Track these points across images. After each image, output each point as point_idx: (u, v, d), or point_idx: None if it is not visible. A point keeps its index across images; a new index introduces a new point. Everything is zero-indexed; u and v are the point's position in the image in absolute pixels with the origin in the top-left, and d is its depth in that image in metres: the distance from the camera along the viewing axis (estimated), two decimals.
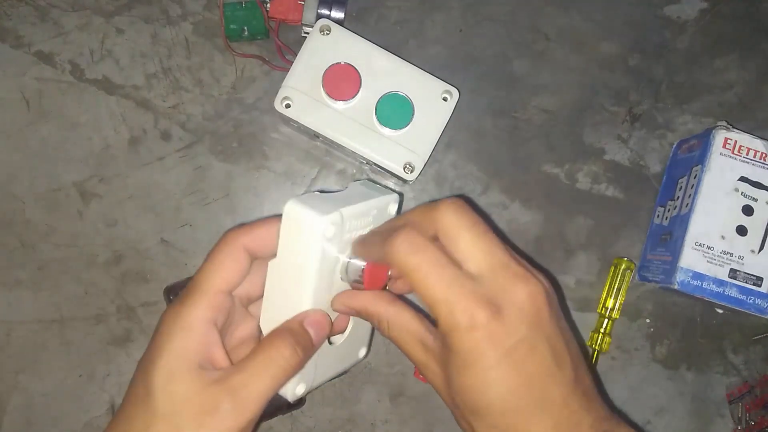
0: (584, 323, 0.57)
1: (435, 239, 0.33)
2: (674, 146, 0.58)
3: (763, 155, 0.52)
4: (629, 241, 0.58)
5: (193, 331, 0.33)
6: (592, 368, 0.56)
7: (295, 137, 0.57)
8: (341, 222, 0.34)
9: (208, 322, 0.34)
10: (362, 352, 0.42)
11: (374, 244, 0.35)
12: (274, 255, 0.35)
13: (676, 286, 0.51)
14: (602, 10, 0.60)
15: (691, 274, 0.51)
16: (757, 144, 0.52)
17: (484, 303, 0.30)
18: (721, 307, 0.56)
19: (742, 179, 0.52)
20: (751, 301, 0.51)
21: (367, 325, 0.41)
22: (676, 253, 0.51)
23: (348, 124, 0.51)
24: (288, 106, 0.51)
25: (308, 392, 0.38)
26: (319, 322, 0.36)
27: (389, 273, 0.36)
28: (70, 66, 0.56)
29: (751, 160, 0.52)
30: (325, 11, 0.55)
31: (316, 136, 0.52)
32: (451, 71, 0.56)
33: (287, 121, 0.52)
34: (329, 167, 0.57)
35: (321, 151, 0.57)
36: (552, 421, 0.31)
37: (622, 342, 0.57)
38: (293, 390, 0.36)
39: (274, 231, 0.35)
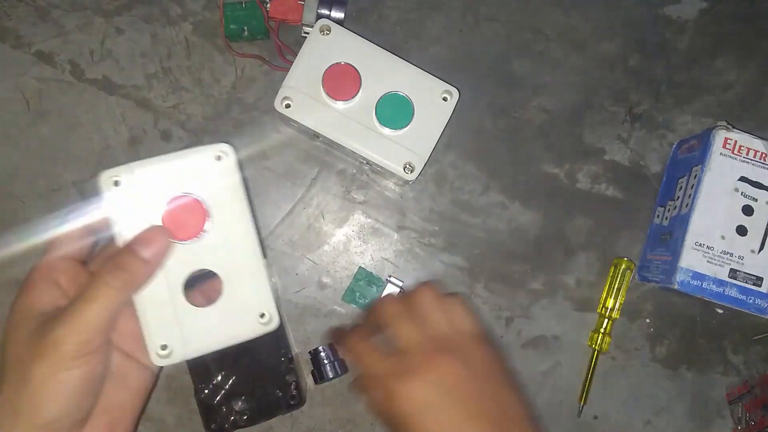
0: (584, 323, 0.57)
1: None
2: (674, 146, 0.58)
3: (763, 155, 0.52)
4: (629, 241, 0.58)
5: (34, 288, 0.36)
6: (592, 369, 0.56)
7: (295, 137, 0.57)
8: (130, 173, 0.37)
9: (46, 280, 0.36)
10: (266, 320, 0.39)
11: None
12: None
13: (676, 286, 0.51)
14: (602, 10, 0.60)
15: (691, 274, 0.51)
16: (757, 144, 0.52)
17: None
18: (721, 307, 0.56)
19: (742, 179, 0.52)
20: (751, 301, 0.51)
21: (262, 290, 0.39)
22: (676, 253, 0.51)
23: (348, 124, 0.51)
24: (288, 106, 0.51)
25: (186, 358, 0.37)
26: (147, 236, 0.36)
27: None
28: (70, 66, 0.56)
29: (751, 160, 0.52)
30: (325, 11, 0.55)
31: (316, 136, 0.52)
32: (451, 71, 0.56)
33: (287, 121, 0.52)
34: (329, 167, 0.57)
35: (321, 151, 0.57)
36: None
37: (622, 342, 0.57)
38: (155, 350, 0.37)
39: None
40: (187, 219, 0.38)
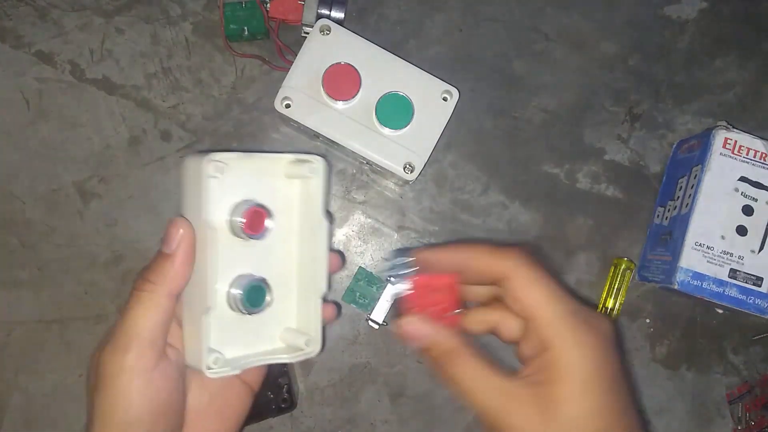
0: None
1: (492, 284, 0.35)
2: (674, 146, 0.58)
3: (763, 155, 0.52)
4: (629, 241, 0.58)
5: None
6: None
7: (295, 137, 0.57)
8: (226, 163, 0.35)
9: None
10: (312, 347, 0.39)
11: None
12: None
13: (676, 286, 0.51)
14: (602, 10, 0.60)
15: (691, 274, 0.51)
16: (757, 144, 0.52)
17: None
18: (721, 307, 0.56)
19: (742, 179, 0.52)
20: (751, 301, 0.51)
21: (312, 316, 0.39)
22: (676, 253, 0.51)
23: (348, 124, 0.51)
24: (288, 106, 0.51)
25: (226, 372, 0.36)
26: (167, 233, 0.35)
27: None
28: (70, 66, 0.56)
29: (751, 160, 0.52)
30: (325, 11, 0.55)
31: (316, 136, 0.52)
32: (451, 71, 0.56)
33: (287, 121, 0.52)
34: (329, 167, 0.57)
35: (321, 151, 0.57)
36: None
37: (622, 342, 0.57)
38: (206, 362, 0.35)
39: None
40: (254, 218, 0.37)
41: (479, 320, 0.37)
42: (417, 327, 0.35)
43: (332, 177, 0.57)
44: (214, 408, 0.38)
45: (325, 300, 0.39)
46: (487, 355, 0.34)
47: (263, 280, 0.38)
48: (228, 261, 0.37)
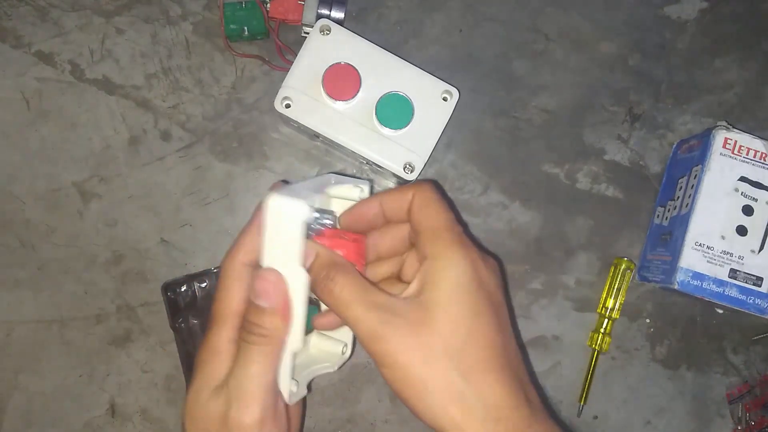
0: (584, 323, 0.57)
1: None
2: (674, 146, 0.58)
3: (763, 155, 0.52)
4: (629, 241, 0.58)
5: (221, 353, 0.36)
6: (592, 369, 0.56)
7: (295, 137, 0.57)
8: (313, 207, 0.36)
9: (231, 342, 0.36)
10: (345, 350, 0.43)
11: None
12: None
13: (676, 286, 0.51)
14: (602, 10, 0.60)
15: (691, 274, 0.51)
16: (757, 144, 0.52)
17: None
18: (721, 307, 0.56)
19: (742, 179, 0.52)
20: (751, 301, 0.51)
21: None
22: (676, 253, 0.51)
23: (348, 124, 0.51)
24: (288, 106, 0.51)
25: (301, 389, 0.38)
26: (261, 287, 0.35)
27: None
28: (70, 66, 0.56)
29: (751, 160, 0.52)
30: (325, 11, 0.55)
31: (316, 136, 0.52)
32: (451, 71, 0.56)
33: (287, 121, 0.52)
34: (329, 167, 0.57)
35: (321, 151, 0.57)
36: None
37: (622, 342, 0.57)
38: (285, 386, 0.37)
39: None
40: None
41: (388, 259, 0.40)
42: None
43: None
44: (291, 419, 0.39)
45: None
46: (365, 278, 0.36)
47: (313, 301, 0.39)
48: None
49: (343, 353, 0.43)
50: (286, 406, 0.37)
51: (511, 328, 0.35)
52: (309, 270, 0.35)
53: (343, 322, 0.35)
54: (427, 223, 0.36)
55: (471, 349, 0.32)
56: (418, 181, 0.37)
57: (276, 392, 0.36)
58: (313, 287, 0.36)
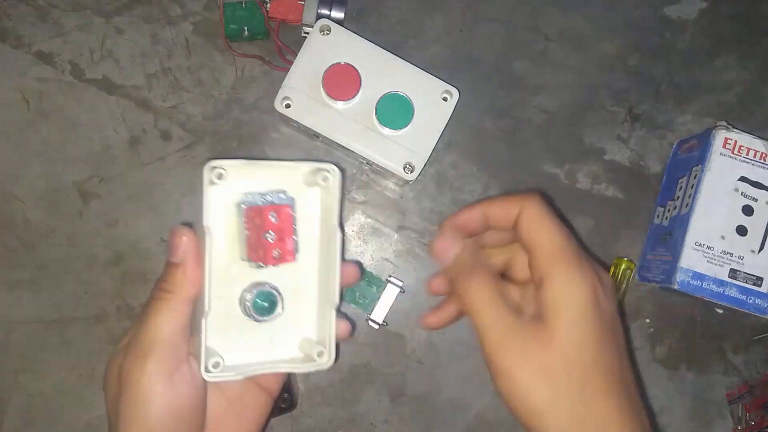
0: None
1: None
2: (674, 146, 0.58)
3: (763, 155, 0.52)
4: (629, 241, 0.58)
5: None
6: None
7: (295, 137, 0.57)
8: (226, 171, 0.36)
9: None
10: (323, 359, 0.38)
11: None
12: None
13: (676, 286, 0.51)
14: (602, 10, 0.60)
15: (691, 274, 0.51)
16: (757, 144, 0.52)
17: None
18: (721, 307, 0.56)
19: (742, 179, 0.52)
20: (751, 301, 0.51)
21: (326, 326, 0.39)
22: (676, 253, 0.51)
23: (348, 124, 0.51)
24: (288, 106, 0.51)
25: (227, 377, 0.36)
26: (170, 242, 0.36)
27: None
28: (70, 66, 0.56)
29: (751, 160, 0.52)
30: (325, 11, 0.55)
31: (316, 136, 0.52)
32: (451, 71, 0.56)
33: (287, 121, 0.52)
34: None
35: (321, 151, 0.57)
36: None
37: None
38: (205, 363, 0.35)
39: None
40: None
41: (496, 252, 0.39)
42: (446, 244, 0.37)
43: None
44: (233, 413, 0.38)
45: (339, 313, 0.39)
46: (501, 283, 0.35)
47: (275, 289, 0.38)
48: (246, 267, 0.37)
49: (317, 359, 0.38)
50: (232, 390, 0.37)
51: (626, 352, 0.35)
52: (451, 262, 0.36)
53: (472, 324, 0.35)
54: (540, 242, 0.34)
55: (594, 378, 0.32)
56: (524, 193, 0.36)
57: (179, 354, 0.35)
58: (452, 279, 0.36)
